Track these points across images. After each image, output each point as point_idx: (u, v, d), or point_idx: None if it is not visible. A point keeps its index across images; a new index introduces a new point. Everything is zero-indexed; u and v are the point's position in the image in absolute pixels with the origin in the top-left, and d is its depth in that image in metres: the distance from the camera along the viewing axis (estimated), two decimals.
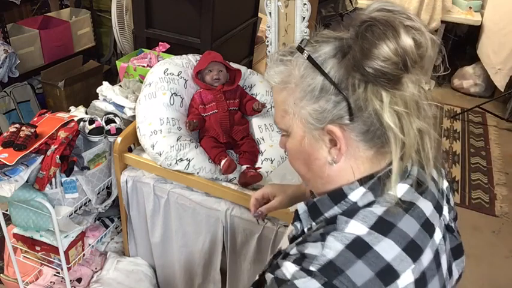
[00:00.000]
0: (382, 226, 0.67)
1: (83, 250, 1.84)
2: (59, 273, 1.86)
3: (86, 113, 1.95)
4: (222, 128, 1.75)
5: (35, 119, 1.69)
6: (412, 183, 0.72)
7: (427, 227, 0.71)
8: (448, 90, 4.29)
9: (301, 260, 0.67)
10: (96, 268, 2.02)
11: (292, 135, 0.78)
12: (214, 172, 1.66)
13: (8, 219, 1.72)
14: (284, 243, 0.90)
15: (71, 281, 1.88)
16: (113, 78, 3.08)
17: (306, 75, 0.71)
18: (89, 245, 1.88)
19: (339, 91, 0.68)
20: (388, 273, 0.65)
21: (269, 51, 1.96)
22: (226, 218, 1.63)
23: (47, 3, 3.55)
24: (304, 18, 1.78)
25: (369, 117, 0.67)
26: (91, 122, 1.79)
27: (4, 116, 2.90)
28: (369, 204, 0.69)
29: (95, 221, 1.97)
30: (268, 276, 0.72)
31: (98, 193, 1.82)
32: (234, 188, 1.64)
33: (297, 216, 0.77)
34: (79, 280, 1.96)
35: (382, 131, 0.68)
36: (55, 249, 1.71)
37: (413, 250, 0.67)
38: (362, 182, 0.71)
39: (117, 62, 2.11)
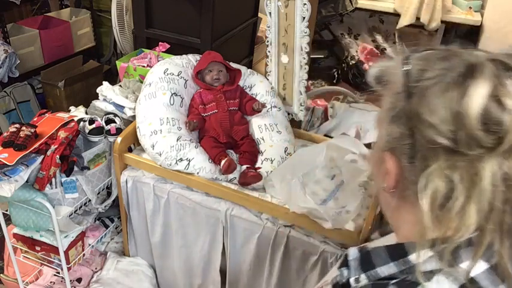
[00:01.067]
0: None
1: (83, 250, 1.84)
2: (59, 273, 1.86)
3: (86, 113, 1.94)
4: (222, 128, 1.75)
5: (35, 119, 1.69)
6: (493, 265, 0.56)
7: None
8: None
9: None
10: (96, 268, 2.02)
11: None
12: (214, 172, 1.66)
13: (8, 219, 1.72)
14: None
15: (71, 281, 1.88)
16: (113, 78, 3.08)
17: (396, 91, 0.61)
18: (89, 245, 1.88)
19: (411, 127, 0.58)
20: None
21: (269, 51, 1.95)
22: (226, 218, 1.63)
23: (47, 3, 3.54)
24: (304, 18, 1.78)
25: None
26: (91, 122, 1.79)
27: (4, 116, 2.90)
28: (432, 274, 0.56)
29: (95, 221, 1.97)
30: None
31: (98, 193, 1.82)
32: (234, 188, 1.64)
33: (345, 261, 0.67)
34: (79, 280, 1.96)
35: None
36: (55, 249, 1.71)
37: None
38: (432, 243, 0.57)
39: (117, 62, 2.11)
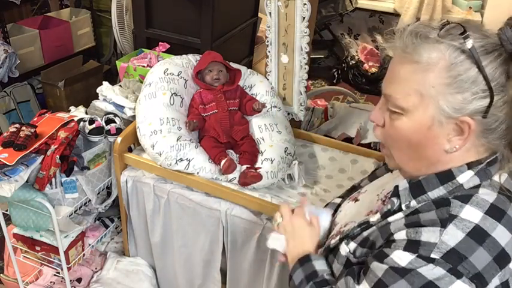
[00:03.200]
0: (495, 213, 0.71)
1: (83, 250, 1.84)
2: (59, 273, 1.86)
3: (86, 113, 1.94)
4: (222, 128, 1.75)
5: (35, 119, 1.69)
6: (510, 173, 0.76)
7: None
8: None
9: (415, 247, 0.71)
10: (96, 268, 2.02)
11: (412, 116, 0.75)
12: (214, 172, 1.66)
13: (8, 219, 1.72)
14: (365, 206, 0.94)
15: (71, 281, 1.88)
16: (113, 78, 3.08)
17: (460, 64, 0.70)
18: (89, 245, 1.88)
19: (489, 88, 0.69)
20: (503, 257, 0.70)
21: (269, 51, 1.95)
22: (226, 218, 1.63)
23: (47, 3, 3.54)
24: (304, 18, 1.78)
25: (499, 117, 0.72)
26: (91, 122, 1.79)
27: (4, 116, 2.90)
28: (475, 188, 0.74)
29: (95, 221, 1.97)
30: (377, 266, 0.74)
31: (98, 193, 1.82)
32: (234, 188, 1.64)
33: (395, 192, 0.79)
34: (79, 280, 1.96)
35: (496, 128, 0.73)
36: (55, 249, 1.71)
37: None
38: (470, 166, 0.74)
39: (117, 62, 2.11)
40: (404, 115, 0.75)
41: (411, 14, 3.78)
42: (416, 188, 0.77)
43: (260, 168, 1.69)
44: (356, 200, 1.01)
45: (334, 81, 4.27)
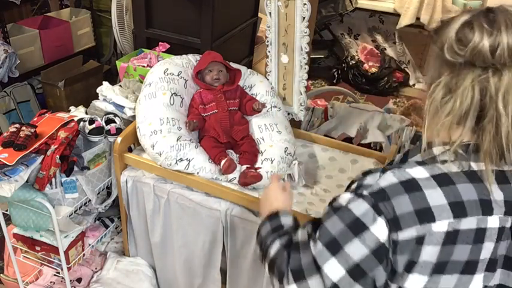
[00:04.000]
0: (442, 180, 0.78)
1: (83, 250, 1.84)
2: (59, 273, 1.86)
3: (86, 113, 1.94)
4: (222, 128, 1.75)
5: (35, 119, 1.69)
6: (495, 170, 0.79)
7: (485, 205, 0.78)
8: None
9: (357, 189, 0.82)
10: (96, 268, 2.02)
11: None
12: (214, 172, 1.66)
13: (8, 219, 1.72)
14: None
15: (71, 281, 1.88)
16: (113, 78, 3.08)
17: None
18: (89, 245, 1.88)
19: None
20: (425, 214, 0.76)
21: (269, 51, 1.95)
22: (226, 218, 1.63)
23: (47, 3, 3.54)
24: (304, 18, 1.78)
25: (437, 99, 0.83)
26: (91, 122, 1.79)
27: (4, 116, 2.90)
28: (444, 161, 0.80)
29: (95, 221, 1.97)
30: (326, 209, 0.86)
31: (98, 193, 1.82)
32: (234, 188, 1.64)
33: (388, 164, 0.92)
34: (79, 280, 1.96)
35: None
36: (55, 249, 1.71)
37: (458, 209, 0.77)
38: (450, 144, 0.81)
39: (117, 62, 2.11)
40: None
41: (411, 14, 3.79)
42: (404, 156, 0.88)
43: (260, 168, 1.69)
44: None
45: (334, 81, 4.27)
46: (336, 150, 1.96)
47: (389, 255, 0.78)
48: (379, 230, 0.77)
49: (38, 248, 1.76)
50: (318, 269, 0.82)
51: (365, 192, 0.79)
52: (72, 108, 2.00)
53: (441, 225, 0.76)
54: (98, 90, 1.95)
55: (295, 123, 2.08)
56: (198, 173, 1.64)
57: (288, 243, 0.94)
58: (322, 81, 4.33)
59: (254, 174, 1.63)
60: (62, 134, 1.59)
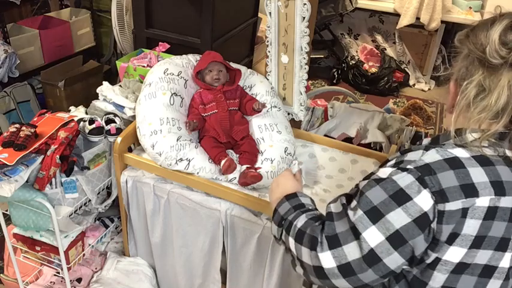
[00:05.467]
0: (483, 160, 0.83)
1: (83, 250, 1.84)
2: (59, 273, 1.86)
3: (86, 113, 1.94)
4: (222, 128, 1.75)
5: (35, 119, 1.69)
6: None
7: None
8: (448, 91, 4.29)
9: (399, 163, 0.85)
10: (96, 268, 2.02)
11: None
12: (214, 172, 1.66)
13: (8, 219, 1.72)
14: None
15: (71, 281, 1.88)
16: (113, 78, 3.08)
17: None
18: (89, 245, 1.88)
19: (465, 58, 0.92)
20: (470, 189, 0.80)
21: (269, 51, 1.95)
22: (226, 218, 1.63)
23: (47, 3, 3.54)
24: (304, 18, 1.78)
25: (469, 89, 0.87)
26: (91, 122, 1.79)
27: (4, 116, 2.90)
28: (480, 146, 0.84)
29: (95, 221, 1.97)
30: (363, 182, 0.88)
31: (98, 193, 1.82)
32: (234, 188, 1.64)
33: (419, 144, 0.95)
34: (79, 280, 1.96)
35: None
36: (55, 249, 1.71)
37: (498, 187, 0.81)
38: (484, 131, 0.85)
39: (117, 62, 2.11)
40: None
41: (411, 14, 3.79)
42: (435, 139, 0.92)
43: (260, 168, 1.69)
44: None
45: (334, 81, 4.27)
46: (336, 150, 1.96)
47: (432, 225, 0.81)
48: (424, 200, 0.80)
49: (38, 248, 1.76)
50: (355, 235, 0.84)
51: (409, 166, 0.82)
52: (72, 108, 2.00)
53: (484, 201, 0.80)
54: (98, 90, 1.95)
55: (295, 123, 2.08)
56: (198, 173, 1.64)
57: (315, 217, 0.96)
58: (322, 81, 4.34)
59: (254, 174, 1.63)
60: (62, 134, 1.59)
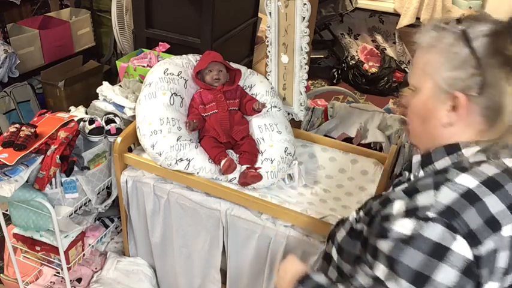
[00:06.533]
0: (491, 184, 0.78)
1: (83, 250, 1.84)
2: (59, 273, 1.86)
3: (86, 113, 1.94)
4: (222, 128, 1.75)
5: (35, 119, 1.69)
6: None
7: None
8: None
9: (414, 211, 0.76)
10: (96, 268, 2.02)
11: (420, 92, 0.86)
12: (214, 172, 1.66)
13: (8, 219, 1.72)
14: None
15: (71, 281, 1.88)
16: (113, 78, 3.08)
17: (454, 45, 0.80)
18: (89, 245, 1.88)
19: (479, 66, 0.78)
20: (493, 223, 0.75)
21: (269, 51, 1.95)
22: (226, 218, 1.63)
23: (47, 3, 3.54)
24: (304, 18, 1.78)
25: (494, 96, 0.78)
26: (91, 122, 1.79)
27: (4, 116, 2.90)
28: (479, 163, 0.80)
29: (95, 221, 1.97)
30: (383, 243, 0.78)
31: (98, 193, 1.82)
32: (234, 188, 1.64)
33: (409, 166, 0.90)
34: (79, 280, 1.96)
35: (499, 110, 0.79)
36: (55, 249, 1.71)
37: None
38: (477, 143, 0.81)
39: (117, 62, 2.11)
40: (416, 92, 0.86)
41: (411, 14, 3.78)
42: (426, 159, 0.86)
43: (260, 168, 1.69)
44: None
45: (334, 81, 4.27)
46: (336, 150, 1.96)
47: (475, 270, 0.74)
48: (462, 248, 0.73)
49: (38, 248, 1.76)
50: None
51: (430, 214, 0.74)
52: (72, 108, 2.00)
53: (507, 230, 0.76)
54: (98, 90, 1.95)
55: (295, 123, 2.08)
56: (198, 173, 1.64)
57: None
58: (322, 81, 4.33)
59: (254, 174, 1.63)
60: (62, 134, 1.59)
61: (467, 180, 0.77)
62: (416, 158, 0.89)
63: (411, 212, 0.76)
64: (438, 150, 0.84)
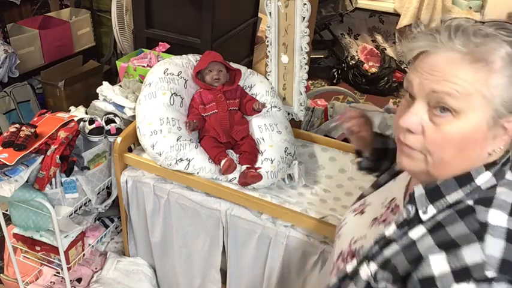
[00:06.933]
0: None
1: (83, 250, 1.84)
2: (59, 273, 1.86)
3: (86, 113, 1.94)
4: (222, 128, 1.75)
5: (35, 119, 1.69)
6: None
7: None
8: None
9: (468, 273, 0.65)
10: (96, 268, 2.02)
11: (466, 118, 0.68)
12: (214, 172, 1.66)
13: (8, 219, 1.72)
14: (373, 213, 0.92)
15: (71, 281, 1.88)
16: (113, 78, 3.08)
17: None
18: (89, 245, 1.88)
19: None
20: None
21: (269, 51, 1.95)
22: (226, 218, 1.63)
23: (47, 3, 3.54)
24: (304, 18, 1.78)
25: None
26: (91, 122, 1.79)
27: (4, 116, 2.90)
28: (492, 188, 0.71)
29: (95, 221, 1.97)
30: None
31: (98, 193, 1.82)
32: (234, 188, 1.64)
33: (410, 199, 0.76)
34: (79, 280, 1.96)
35: None
36: (55, 249, 1.71)
37: None
38: (487, 167, 0.72)
39: (117, 62, 2.11)
40: (456, 117, 0.68)
41: (411, 14, 3.78)
42: (434, 192, 0.74)
43: (260, 168, 1.69)
44: (362, 212, 0.97)
45: (334, 81, 4.27)
46: (336, 150, 1.96)
47: None
48: None
49: (38, 248, 1.76)
50: None
51: (490, 274, 0.64)
52: (72, 108, 2.00)
53: None
54: (98, 90, 1.95)
55: (295, 123, 2.08)
56: (198, 173, 1.64)
57: None
58: (322, 81, 4.33)
59: (254, 174, 1.63)
60: (62, 134, 1.59)
61: (499, 218, 0.68)
62: (418, 191, 0.75)
63: (464, 275, 0.65)
64: (448, 182, 0.73)
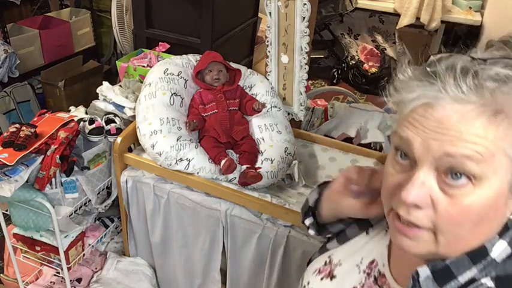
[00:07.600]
0: None
1: (83, 250, 1.84)
2: (59, 273, 1.86)
3: (86, 113, 1.94)
4: (222, 128, 1.75)
5: (35, 119, 1.69)
6: None
7: None
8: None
9: None
10: (96, 268, 2.02)
11: (487, 183, 0.54)
12: (214, 172, 1.66)
13: (8, 219, 1.72)
14: None
15: (71, 281, 1.88)
16: (113, 78, 3.08)
17: None
18: (89, 245, 1.88)
19: None
20: None
21: (269, 51, 1.95)
22: (226, 218, 1.63)
23: (47, 3, 3.54)
24: (304, 18, 1.78)
25: None
26: (91, 122, 1.79)
27: (4, 116, 2.90)
28: (508, 259, 0.58)
29: (95, 221, 1.97)
30: None
31: (98, 193, 1.82)
32: (234, 188, 1.64)
33: (414, 283, 0.61)
34: (79, 280, 1.96)
35: None
36: (55, 249, 1.71)
37: None
38: (500, 234, 0.59)
39: (117, 62, 2.11)
40: (477, 185, 0.54)
41: (411, 14, 3.78)
42: (443, 274, 0.59)
43: (260, 168, 1.69)
44: (331, 276, 0.79)
45: (334, 81, 4.27)
46: (336, 150, 1.96)
47: None
48: None
49: (38, 248, 1.76)
50: None
51: None
52: (72, 108, 2.00)
53: None
54: (98, 90, 1.95)
55: (295, 123, 2.08)
56: (198, 173, 1.64)
57: None
58: (322, 81, 4.34)
59: (254, 174, 1.63)
60: (62, 134, 1.59)
61: None
62: (423, 273, 0.60)
63: None
64: (460, 260, 0.59)
